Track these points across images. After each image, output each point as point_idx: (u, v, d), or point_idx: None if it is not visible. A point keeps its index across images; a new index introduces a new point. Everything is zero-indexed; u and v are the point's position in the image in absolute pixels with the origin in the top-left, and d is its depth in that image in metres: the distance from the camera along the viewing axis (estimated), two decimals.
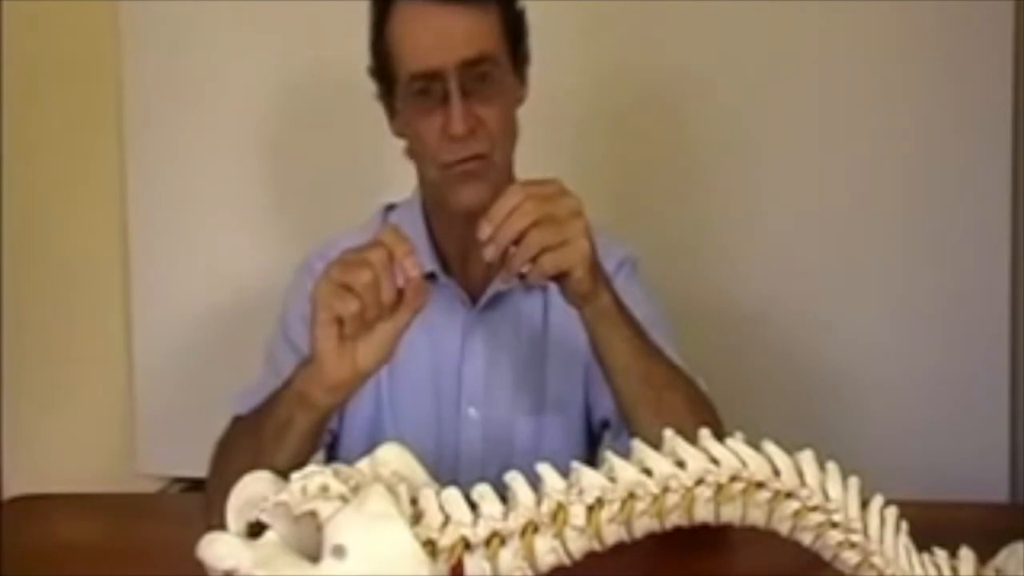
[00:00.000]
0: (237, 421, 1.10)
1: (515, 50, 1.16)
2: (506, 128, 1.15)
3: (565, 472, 0.68)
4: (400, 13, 1.12)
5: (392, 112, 1.18)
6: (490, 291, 1.21)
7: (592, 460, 0.69)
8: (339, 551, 0.60)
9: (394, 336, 0.94)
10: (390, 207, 1.29)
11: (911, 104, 1.69)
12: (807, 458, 0.70)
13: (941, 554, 0.72)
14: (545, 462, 0.68)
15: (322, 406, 0.98)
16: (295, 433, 0.99)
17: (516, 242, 0.95)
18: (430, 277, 1.21)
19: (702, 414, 1.01)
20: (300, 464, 1.02)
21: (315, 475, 0.64)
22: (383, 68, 1.16)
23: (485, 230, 0.95)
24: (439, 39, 1.09)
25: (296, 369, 0.99)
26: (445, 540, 0.64)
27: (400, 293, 0.91)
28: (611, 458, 0.68)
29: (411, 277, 0.91)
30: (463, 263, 1.21)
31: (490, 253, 0.95)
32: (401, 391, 1.22)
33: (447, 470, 1.17)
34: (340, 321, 0.92)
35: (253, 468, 0.97)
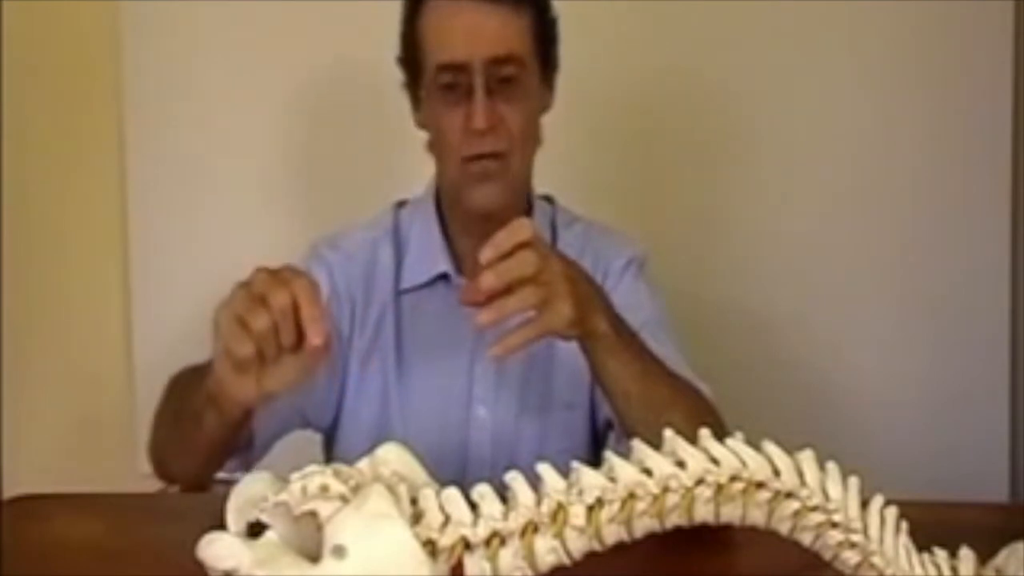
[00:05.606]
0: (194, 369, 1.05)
1: (544, 56, 1.17)
2: (527, 131, 1.15)
3: (565, 472, 0.68)
4: (434, 6, 1.14)
5: (416, 102, 1.19)
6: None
7: (597, 460, 0.69)
8: (339, 551, 0.60)
9: (301, 368, 0.87)
10: (401, 204, 1.29)
11: (912, 105, 1.69)
12: (807, 458, 0.70)
13: (941, 554, 0.72)
14: (551, 461, 0.68)
15: (229, 415, 0.94)
16: (205, 428, 0.97)
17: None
18: (443, 277, 1.21)
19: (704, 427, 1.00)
20: (213, 457, 1.06)
21: (315, 475, 0.64)
22: (411, 58, 1.17)
23: (487, 255, 0.92)
24: (469, 33, 1.11)
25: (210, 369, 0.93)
26: (445, 540, 0.64)
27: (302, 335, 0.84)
28: (611, 458, 0.68)
29: (312, 345, 0.84)
30: (476, 263, 1.21)
31: (488, 282, 0.91)
32: (411, 391, 1.22)
33: (455, 470, 1.16)
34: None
35: (176, 434, 1.03)
